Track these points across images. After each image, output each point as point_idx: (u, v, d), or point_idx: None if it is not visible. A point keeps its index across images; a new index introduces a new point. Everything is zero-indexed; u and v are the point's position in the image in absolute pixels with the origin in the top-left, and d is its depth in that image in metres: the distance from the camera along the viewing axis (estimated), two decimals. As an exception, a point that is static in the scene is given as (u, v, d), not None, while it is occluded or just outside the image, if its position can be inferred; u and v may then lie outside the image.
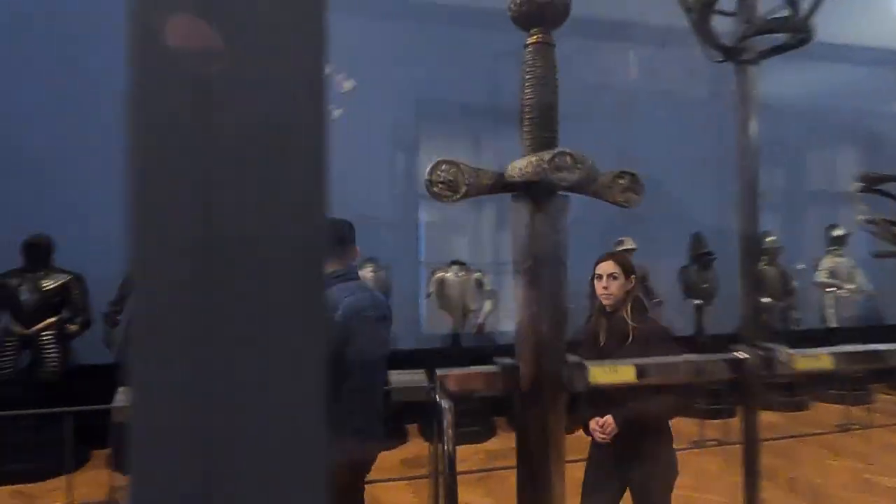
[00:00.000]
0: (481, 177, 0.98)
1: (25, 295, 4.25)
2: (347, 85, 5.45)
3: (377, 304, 2.43)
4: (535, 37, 1.02)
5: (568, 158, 0.90)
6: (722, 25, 1.11)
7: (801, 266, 6.44)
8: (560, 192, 0.98)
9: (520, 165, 0.96)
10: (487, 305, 5.32)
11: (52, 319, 4.30)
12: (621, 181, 1.03)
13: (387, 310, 2.51)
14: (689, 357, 1.08)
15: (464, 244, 5.92)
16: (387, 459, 4.44)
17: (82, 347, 4.49)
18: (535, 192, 0.98)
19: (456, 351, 5.29)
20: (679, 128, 6.10)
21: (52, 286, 4.36)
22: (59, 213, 4.49)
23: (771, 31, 1.07)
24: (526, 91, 1.00)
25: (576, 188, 0.96)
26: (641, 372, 1.00)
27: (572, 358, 0.98)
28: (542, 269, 0.98)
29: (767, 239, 5.86)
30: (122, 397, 4.12)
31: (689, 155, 5.99)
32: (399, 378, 4.50)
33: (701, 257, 5.85)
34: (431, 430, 4.40)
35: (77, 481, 3.81)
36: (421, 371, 4.58)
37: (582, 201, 1.06)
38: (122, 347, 4.54)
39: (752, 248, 1.15)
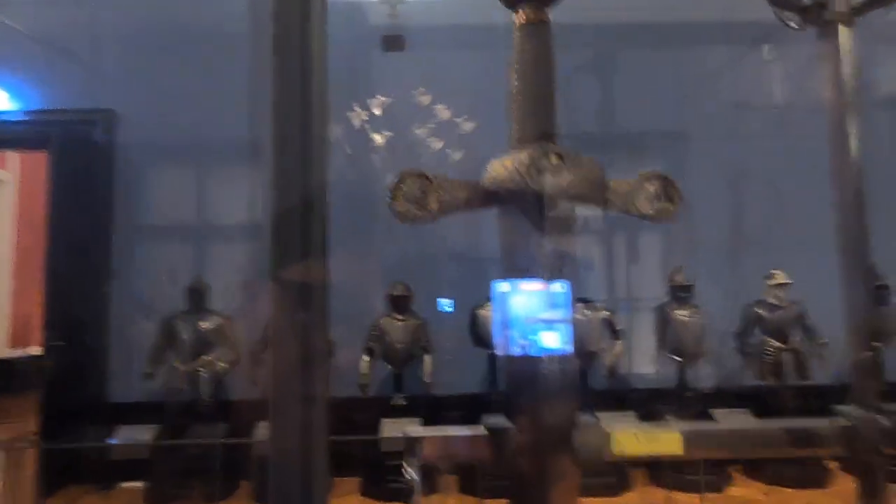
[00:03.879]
0: (455, 188, 0.85)
1: (186, 334, 4.78)
2: (467, 126, 5.56)
3: None
4: (524, 13, 0.86)
5: (553, 158, 0.74)
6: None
7: None
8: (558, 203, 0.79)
9: (492, 169, 0.82)
10: (617, 347, 5.00)
11: (208, 357, 4.77)
12: (650, 187, 0.83)
13: None
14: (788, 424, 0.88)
15: (589, 279, 5.65)
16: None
17: (232, 383, 4.94)
18: (523, 202, 0.80)
19: (584, 394, 5.03)
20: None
21: (208, 327, 4.86)
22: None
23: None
24: (514, 78, 0.86)
25: (577, 198, 0.78)
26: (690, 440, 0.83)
27: (587, 419, 0.83)
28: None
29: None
30: (263, 432, 4.45)
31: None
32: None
33: (875, 291, 5.03)
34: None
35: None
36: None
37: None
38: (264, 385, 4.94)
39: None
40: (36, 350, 7.44)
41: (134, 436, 4.28)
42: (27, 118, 5.53)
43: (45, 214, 5.25)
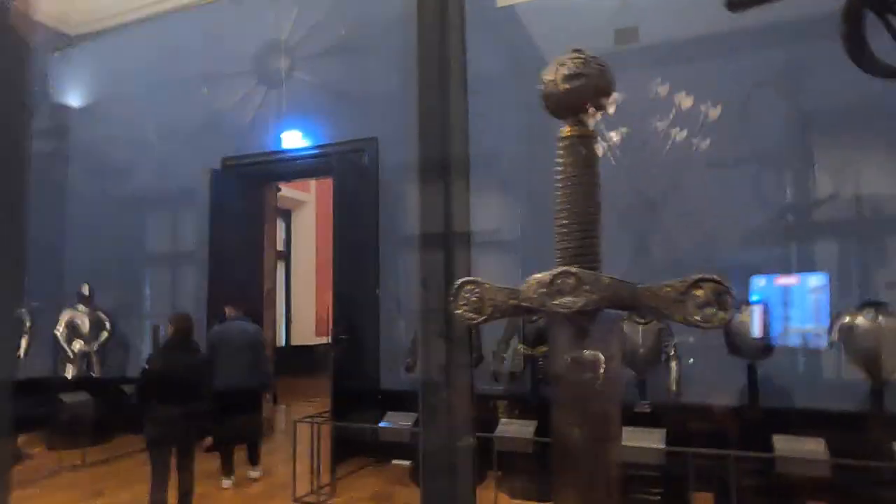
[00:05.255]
0: (505, 297, 0.84)
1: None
2: (713, 113, 5.07)
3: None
4: (568, 129, 0.85)
5: (572, 280, 0.69)
6: None
7: None
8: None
9: (524, 288, 0.79)
10: (925, 361, 4.03)
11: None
12: (698, 293, 0.70)
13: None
14: None
15: (880, 280, 4.64)
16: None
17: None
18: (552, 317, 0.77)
19: (877, 413, 4.18)
20: None
21: (457, 326, 5.33)
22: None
23: None
24: (557, 194, 0.82)
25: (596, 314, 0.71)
26: None
27: None
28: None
29: None
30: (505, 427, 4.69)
31: None
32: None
33: None
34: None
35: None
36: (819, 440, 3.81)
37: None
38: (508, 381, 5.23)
39: None
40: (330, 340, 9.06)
41: (398, 420, 4.91)
42: (317, 151, 6.75)
43: (333, 229, 6.35)
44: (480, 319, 0.97)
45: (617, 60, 4.87)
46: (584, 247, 0.88)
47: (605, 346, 0.87)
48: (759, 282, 4.88)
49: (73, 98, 8.39)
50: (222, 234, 6.85)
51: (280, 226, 11.17)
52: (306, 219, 11.87)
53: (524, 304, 0.90)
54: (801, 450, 3.78)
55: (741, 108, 4.97)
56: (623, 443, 4.24)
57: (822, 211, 5.00)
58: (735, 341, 4.63)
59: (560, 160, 0.91)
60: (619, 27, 5.37)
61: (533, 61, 5.81)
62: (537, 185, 5.35)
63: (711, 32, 5.05)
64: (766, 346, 4.53)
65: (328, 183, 8.49)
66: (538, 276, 0.87)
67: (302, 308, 11.74)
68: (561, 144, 0.90)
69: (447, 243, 1.16)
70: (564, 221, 0.90)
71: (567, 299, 0.80)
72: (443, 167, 1.23)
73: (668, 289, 0.79)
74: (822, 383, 4.77)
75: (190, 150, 7.31)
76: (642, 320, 4.88)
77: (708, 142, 5.14)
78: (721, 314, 0.78)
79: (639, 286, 0.79)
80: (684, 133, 5.23)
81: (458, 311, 0.96)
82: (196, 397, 4.40)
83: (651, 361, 4.79)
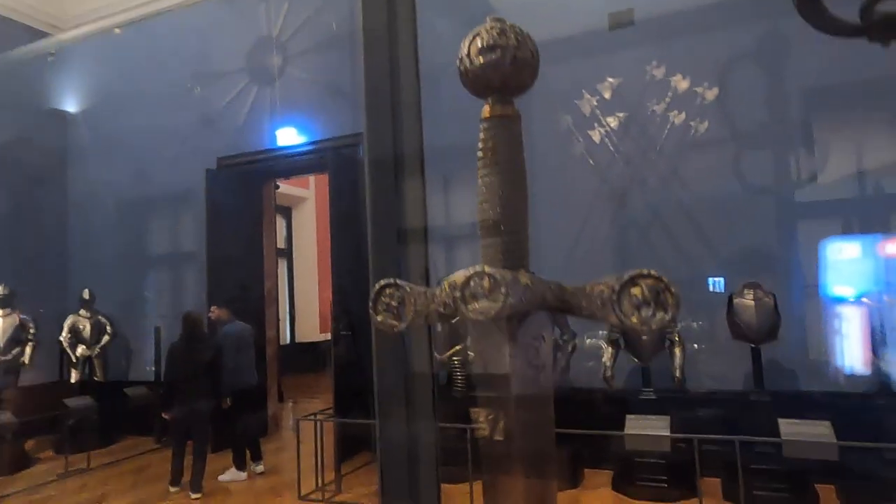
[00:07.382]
0: (427, 301, 0.76)
1: (440, 328, 5.26)
2: (710, 94, 4.98)
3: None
4: (489, 108, 0.76)
5: (486, 282, 0.62)
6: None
7: None
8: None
9: (438, 291, 0.72)
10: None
11: (458, 347, 5.18)
12: (635, 291, 0.62)
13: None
14: None
15: None
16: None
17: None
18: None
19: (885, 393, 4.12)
20: None
21: (460, 321, 5.28)
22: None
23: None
24: (478, 182, 0.74)
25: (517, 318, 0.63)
26: None
27: None
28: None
29: None
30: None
31: None
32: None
33: None
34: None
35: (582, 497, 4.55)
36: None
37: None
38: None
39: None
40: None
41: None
42: (312, 147, 6.69)
43: (329, 226, 6.31)
44: (402, 325, 0.88)
45: (614, 44, 4.75)
46: (507, 243, 0.79)
47: (532, 352, 0.80)
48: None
49: (69, 103, 8.35)
50: (220, 233, 6.82)
51: (281, 223, 11.14)
52: (307, 215, 11.83)
53: (439, 308, 0.82)
54: (807, 433, 3.73)
55: (739, 87, 4.88)
56: (628, 431, 4.22)
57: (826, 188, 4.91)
58: (738, 324, 4.57)
59: (480, 144, 0.83)
60: (613, 10, 5.28)
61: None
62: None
63: (706, 10, 4.95)
64: (770, 330, 4.46)
65: (324, 179, 8.43)
66: (453, 276, 0.79)
67: (305, 304, 11.73)
68: (482, 126, 0.82)
69: (401, 239, 1.12)
70: (485, 215, 0.82)
71: (482, 304, 0.72)
72: (395, 163, 1.19)
73: (601, 287, 0.71)
74: (828, 365, 4.71)
75: (185, 150, 7.26)
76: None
77: (707, 124, 5.06)
78: (660, 314, 0.69)
79: (567, 286, 0.73)
80: (682, 116, 5.15)
81: (379, 318, 0.88)
82: (212, 381, 5.11)
83: (654, 348, 4.74)
